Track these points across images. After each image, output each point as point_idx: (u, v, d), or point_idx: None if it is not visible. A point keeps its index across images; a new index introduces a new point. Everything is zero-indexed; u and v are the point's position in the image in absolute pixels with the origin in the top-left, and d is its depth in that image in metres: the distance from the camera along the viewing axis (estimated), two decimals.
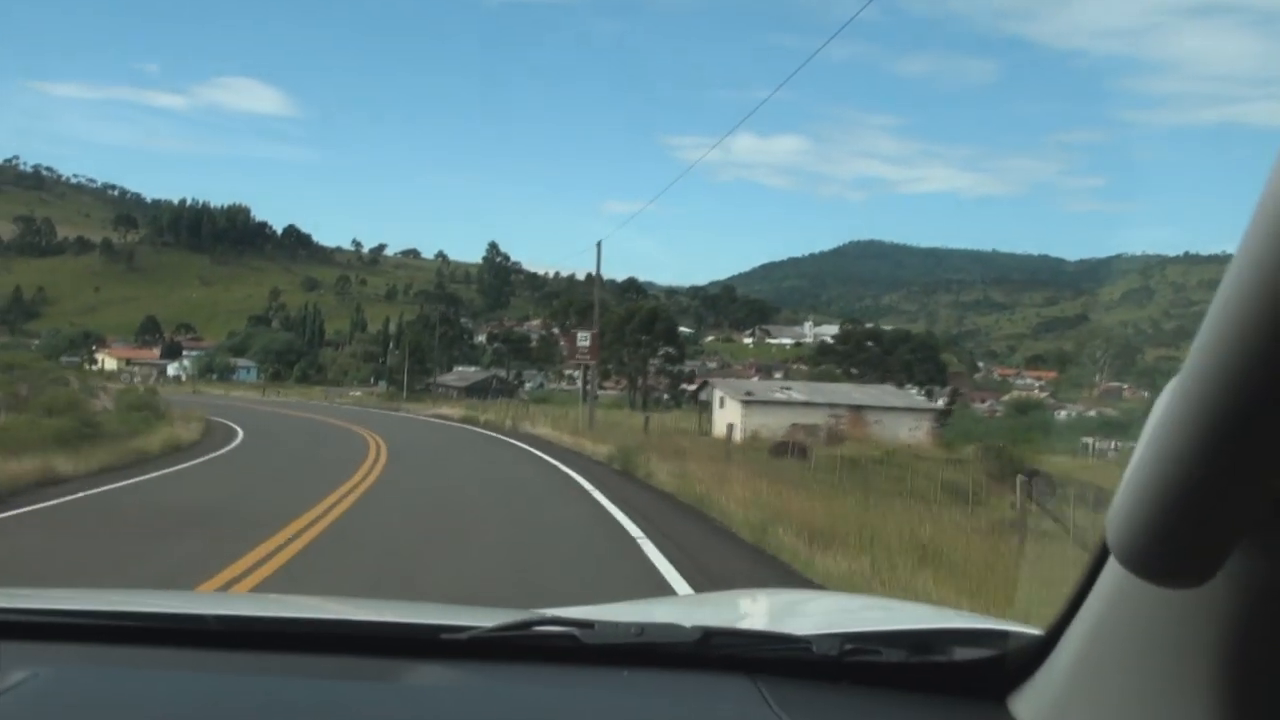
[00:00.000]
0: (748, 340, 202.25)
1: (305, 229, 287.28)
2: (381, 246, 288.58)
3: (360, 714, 1.53)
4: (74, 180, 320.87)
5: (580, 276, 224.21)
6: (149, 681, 1.65)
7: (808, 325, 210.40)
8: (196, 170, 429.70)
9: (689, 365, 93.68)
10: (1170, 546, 0.88)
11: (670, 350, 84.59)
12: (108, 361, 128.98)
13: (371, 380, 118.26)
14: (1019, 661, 1.51)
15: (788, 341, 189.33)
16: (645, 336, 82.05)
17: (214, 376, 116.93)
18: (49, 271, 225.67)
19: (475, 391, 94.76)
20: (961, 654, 1.64)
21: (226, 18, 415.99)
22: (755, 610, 2.55)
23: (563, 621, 1.77)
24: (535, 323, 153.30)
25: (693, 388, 72.38)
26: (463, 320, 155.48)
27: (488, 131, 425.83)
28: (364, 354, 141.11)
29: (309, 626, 1.90)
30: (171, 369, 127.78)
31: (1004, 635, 1.61)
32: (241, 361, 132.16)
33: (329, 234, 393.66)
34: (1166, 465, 0.83)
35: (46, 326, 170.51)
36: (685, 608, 2.96)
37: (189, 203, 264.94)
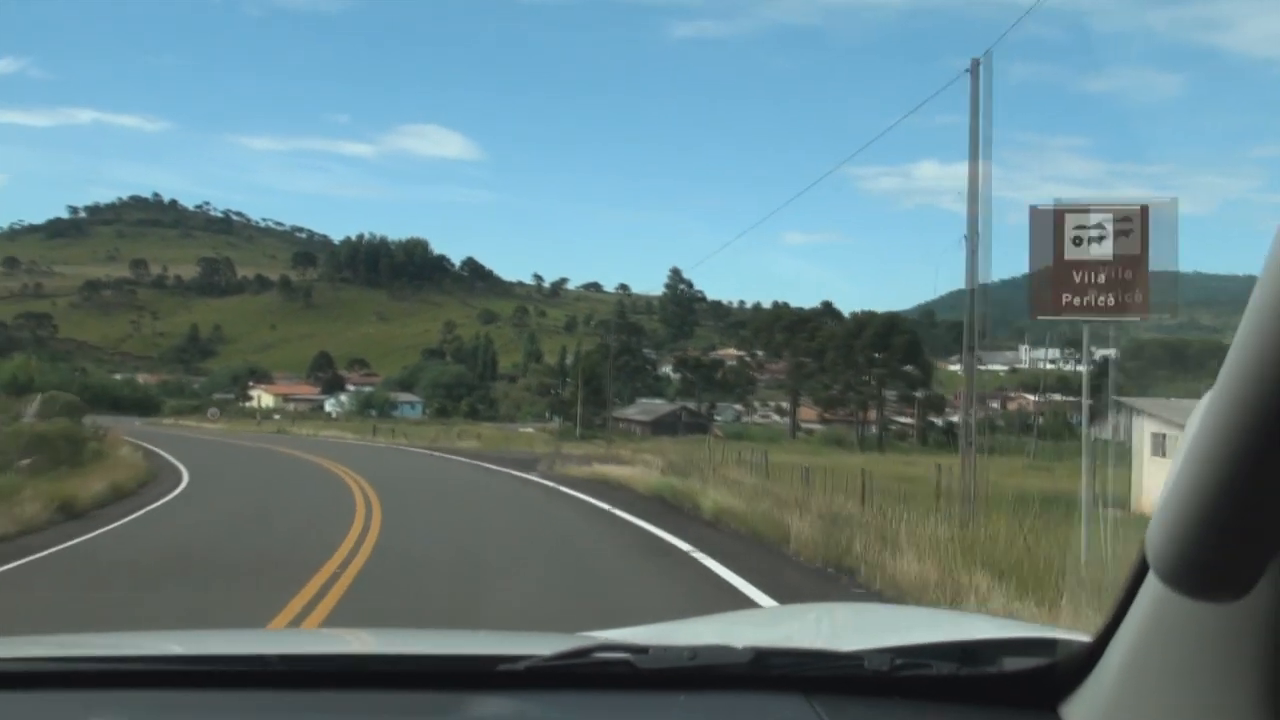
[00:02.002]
0: (954, 367, 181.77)
1: (485, 265, 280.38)
2: (562, 280, 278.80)
3: None
4: (262, 224, 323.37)
5: (767, 304, 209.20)
6: None
7: (1023, 349, 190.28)
8: (381, 213, 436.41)
9: (920, 392, 74.43)
10: (1208, 562, 0.87)
11: (912, 371, 66.17)
12: (265, 398, 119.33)
13: (546, 415, 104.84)
14: (1069, 670, 1.51)
15: (999, 368, 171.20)
16: (879, 354, 64.01)
17: (373, 413, 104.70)
18: (228, 310, 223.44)
19: (662, 427, 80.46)
20: (1011, 664, 1.64)
21: (415, 69, 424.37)
22: (804, 627, 2.54)
23: (617, 648, 1.80)
24: (729, 350, 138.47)
25: (947, 417, 53.91)
26: (645, 351, 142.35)
27: (668, 166, 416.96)
28: (538, 387, 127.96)
29: (369, 664, 1.94)
30: (328, 405, 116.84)
31: (1052, 644, 1.61)
32: (405, 396, 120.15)
33: (509, 269, 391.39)
34: (1204, 479, 0.81)
35: (221, 364, 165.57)
36: (734, 626, 2.80)
37: (367, 238, 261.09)
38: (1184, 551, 0.87)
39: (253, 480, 25.29)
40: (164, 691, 1.77)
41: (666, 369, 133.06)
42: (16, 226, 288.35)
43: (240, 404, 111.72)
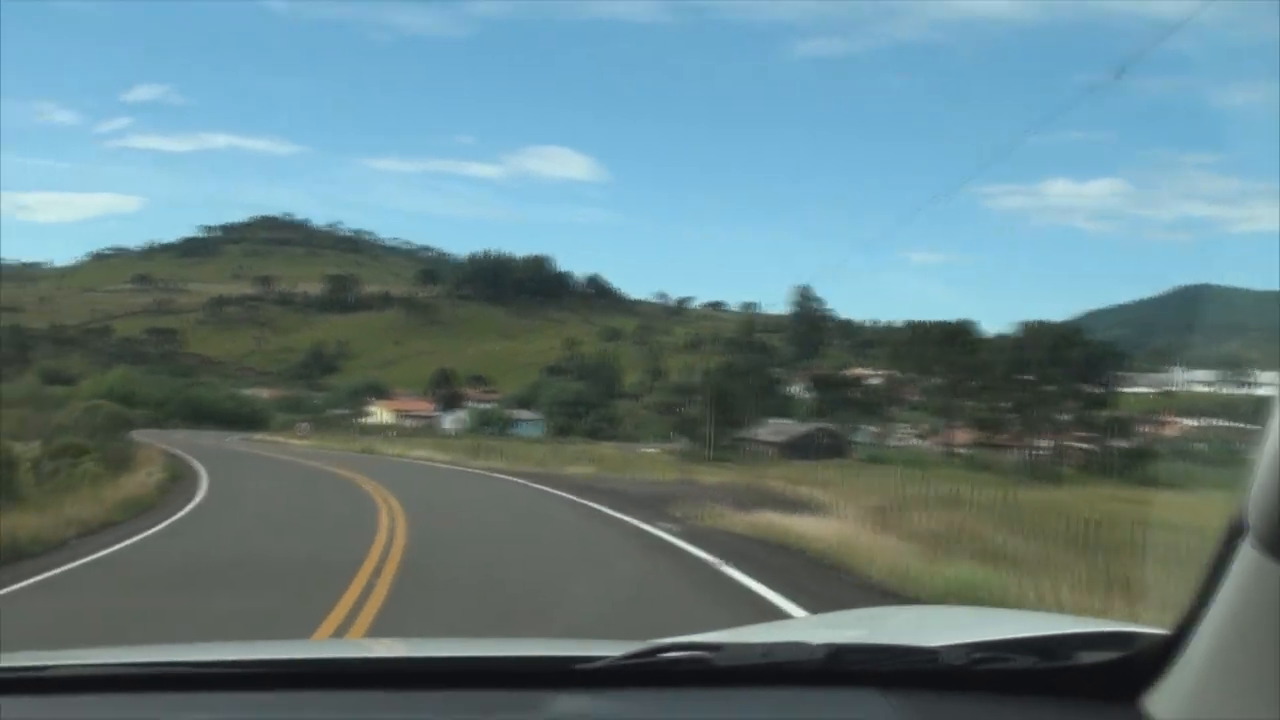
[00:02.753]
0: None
1: (608, 282, 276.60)
2: (686, 299, 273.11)
3: None
4: (389, 243, 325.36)
5: (898, 323, 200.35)
6: None
7: (1176, 371, 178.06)
8: (506, 233, 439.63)
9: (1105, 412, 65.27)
10: None
11: (1094, 390, 57.78)
12: (382, 414, 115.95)
13: (671, 435, 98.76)
14: (1149, 661, 1.49)
15: (1146, 390, 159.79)
16: (1053, 370, 55.90)
17: (490, 430, 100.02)
18: (352, 327, 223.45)
19: (796, 449, 73.93)
20: (1089, 657, 1.63)
21: (540, 92, 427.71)
22: (879, 626, 2.50)
23: (692, 646, 1.81)
24: (859, 369, 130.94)
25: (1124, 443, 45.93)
26: (772, 369, 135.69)
27: (790, 185, 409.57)
28: (661, 405, 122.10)
29: (449, 665, 1.95)
30: (446, 422, 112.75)
31: (1131, 637, 1.60)
32: (524, 414, 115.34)
33: (632, 288, 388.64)
34: None
35: (344, 380, 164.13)
36: (808, 629, 2.78)
37: (490, 253, 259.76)
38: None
39: (257, 527, 17.94)
40: (250, 693, 1.78)
41: (795, 388, 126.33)
42: (152, 246, 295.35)
43: (356, 420, 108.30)
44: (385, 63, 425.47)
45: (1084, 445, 58.61)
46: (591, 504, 22.75)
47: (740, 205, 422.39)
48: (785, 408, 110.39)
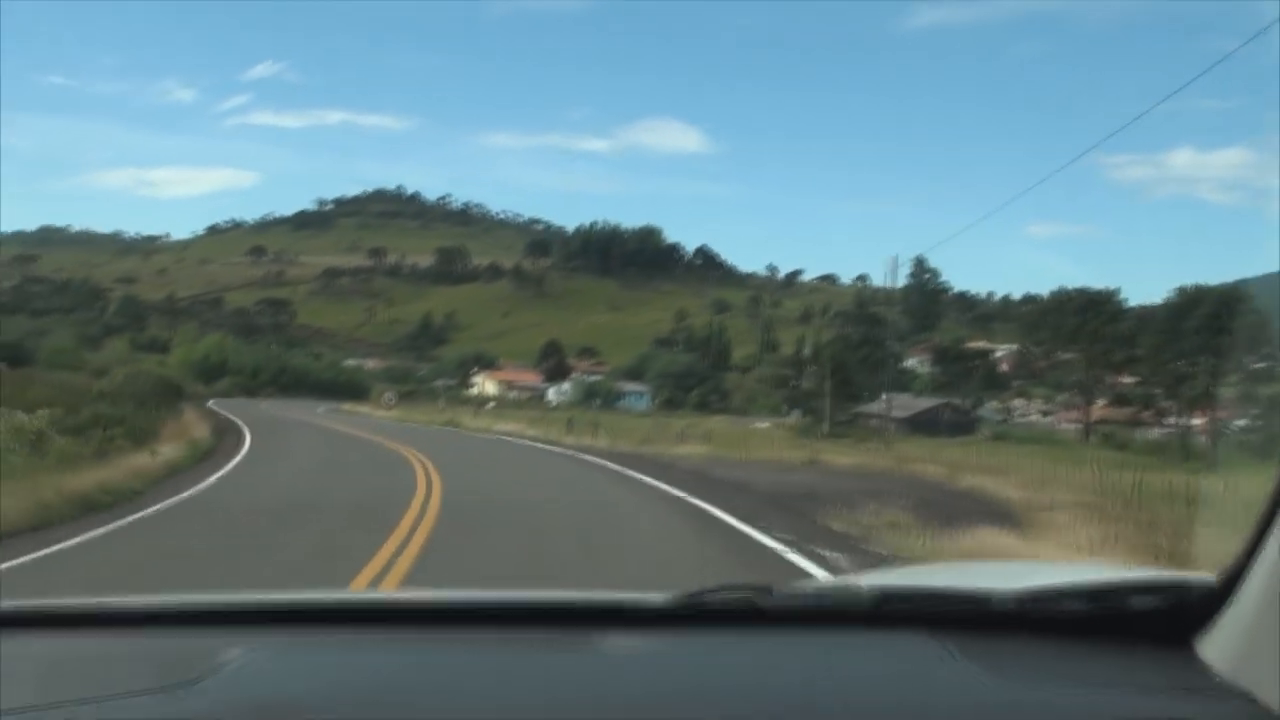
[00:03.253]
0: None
1: (718, 255, 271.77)
2: (796, 272, 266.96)
3: (563, 678, 1.58)
4: (499, 216, 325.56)
5: (1016, 297, 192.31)
6: (360, 657, 1.70)
7: None
8: (616, 206, 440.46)
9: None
10: None
11: (1257, 365, 51.89)
12: (487, 385, 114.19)
13: (783, 409, 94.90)
14: (1202, 605, 1.53)
15: None
16: (1218, 339, 50.20)
17: (596, 403, 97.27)
18: (462, 298, 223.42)
19: (919, 425, 69.87)
20: (1141, 602, 1.66)
21: (653, 66, 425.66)
22: (931, 575, 2.56)
23: (742, 588, 1.85)
24: (980, 342, 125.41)
25: None
26: (887, 343, 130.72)
27: (906, 156, 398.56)
28: (773, 379, 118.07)
29: (501, 607, 1.97)
30: (551, 393, 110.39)
31: (1183, 583, 1.62)
32: (632, 386, 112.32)
33: (742, 260, 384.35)
34: None
35: (453, 351, 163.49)
36: (861, 578, 2.64)
37: (599, 225, 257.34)
38: None
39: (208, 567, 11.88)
40: (301, 628, 1.80)
41: (910, 362, 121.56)
42: (267, 219, 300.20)
43: (461, 390, 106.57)
44: (500, 37, 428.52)
45: (1245, 422, 53.03)
46: (711, 509, 15.67)
47: (853, 177, 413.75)
48: (902, 382, 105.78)
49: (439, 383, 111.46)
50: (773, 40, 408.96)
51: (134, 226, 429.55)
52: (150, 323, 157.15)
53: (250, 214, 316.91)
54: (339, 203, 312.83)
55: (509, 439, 40.38)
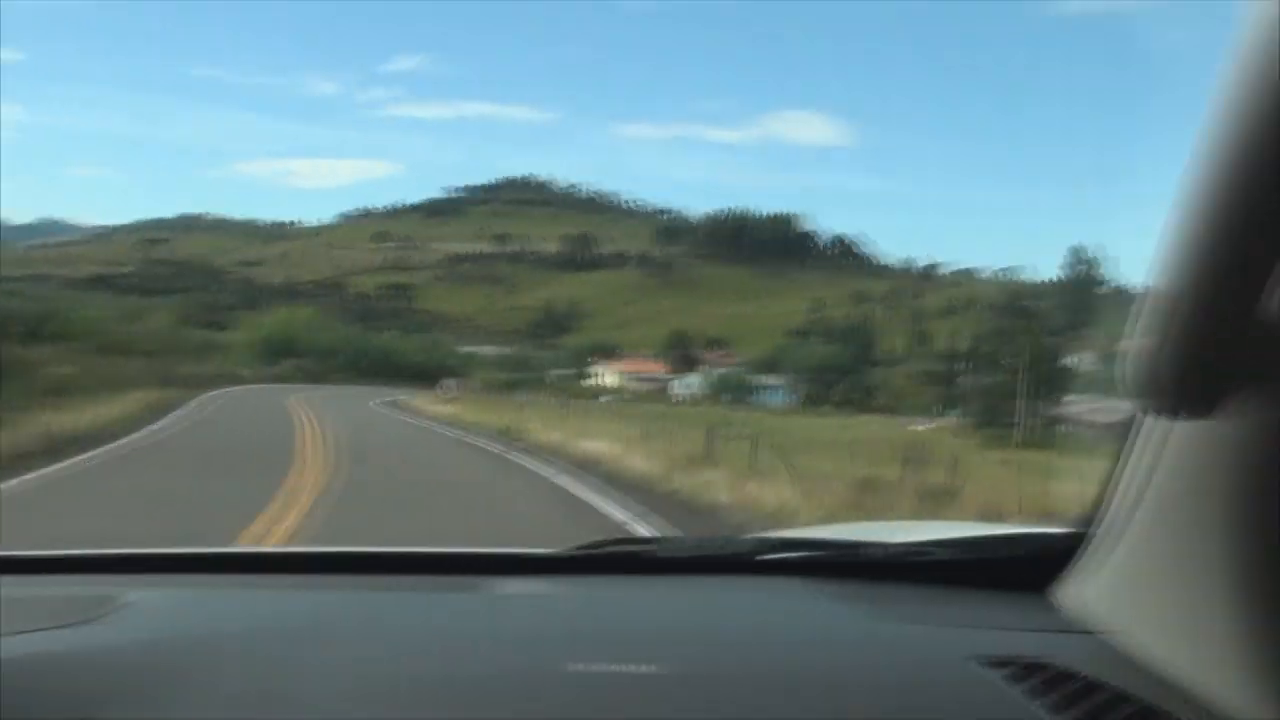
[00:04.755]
0: None
1: (855, 244, 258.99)
2: (934, 264, 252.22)
3: (462, 621, 1.63)
4: (628, 205, 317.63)
5: None
6: (257, 600, 1.74)
7: None
8: (749, 198, 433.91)
9: None
10: (1176, 371, 0.88)
11: None
12: (608, 376, 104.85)
13: (939, 409, 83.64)
14: (1058, 555, 1.62)
15: None
16: None
17: (728, 397, 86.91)
18: (588, 286, 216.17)
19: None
20: (1003, 551, 1.80)
21: (788, 56, 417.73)
22: (816, 531, 2.64)
23: (633, 541, 2.10)
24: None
25: None
26: (1045, 339, 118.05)
27: (1049, 148, 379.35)
28: (926, 375, 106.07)
29: (404, 557, 2.03)
30: (676, 386, 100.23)
31: (1044, 536, 1.74)
32: (767, 380, 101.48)
33: (876, 251, 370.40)
34: (1170, 286, 0.83)
35: (578, 339, 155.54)
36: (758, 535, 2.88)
37: (731, 212, 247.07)
38: (1153, 366, 0.88)
39: None
40: (200, 575, 1.87)
41: (1071, 359, 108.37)
42: (397, 207, 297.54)
43: (578, 382, 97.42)
44: (637, 29, 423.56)
45: None
46: None
47: (995, 169, 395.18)
48: (1083, 383, 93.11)
49: (557, 372, 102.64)
50: (911, 29, 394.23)
51: (269, 214, 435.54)
52: (264, 305, 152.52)
53: (384, 202, 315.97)
54: (469, 190, 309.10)
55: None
